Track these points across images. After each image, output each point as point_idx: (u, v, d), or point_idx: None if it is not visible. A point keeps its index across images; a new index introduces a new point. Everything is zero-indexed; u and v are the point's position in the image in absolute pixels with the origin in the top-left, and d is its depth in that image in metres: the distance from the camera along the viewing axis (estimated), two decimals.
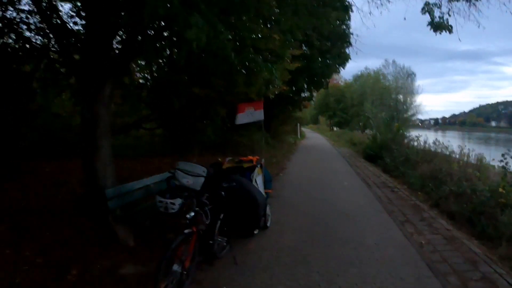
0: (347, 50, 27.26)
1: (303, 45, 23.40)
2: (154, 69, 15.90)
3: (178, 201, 4.32)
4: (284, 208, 8.67)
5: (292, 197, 9.92)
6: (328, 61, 26.38)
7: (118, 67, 6.93)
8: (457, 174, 10.31)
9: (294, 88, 25.17)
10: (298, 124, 46.35)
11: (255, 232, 6.19)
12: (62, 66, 8.13)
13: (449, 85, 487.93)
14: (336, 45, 26.03)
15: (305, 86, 27.83)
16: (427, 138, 16.93)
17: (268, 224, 7.02)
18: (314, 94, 38.70)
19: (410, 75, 52.24)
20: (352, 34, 26.63)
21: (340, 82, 65.79)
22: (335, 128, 64.33)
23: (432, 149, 15.40)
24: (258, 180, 6.62)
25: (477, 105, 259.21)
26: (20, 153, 11.33)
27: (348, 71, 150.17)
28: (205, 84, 15.85)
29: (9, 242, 5.15)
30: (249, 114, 7.74)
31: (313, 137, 52.58)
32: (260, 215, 5.72)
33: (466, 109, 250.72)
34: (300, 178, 13.40)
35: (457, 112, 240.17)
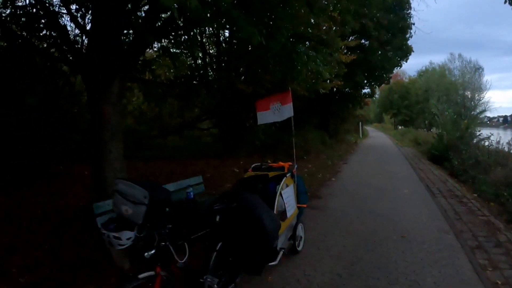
0: (409, 43, 25.87)
1: (358, 37, 21.87)
2: (189, 63, 15.11)
3: (125, 235, 3.01)
4: (327, 224, 7.31)
5: (340, 209, 8.45)
6: (388, 53, 24.85)
7: (127, 61, 6.29)
8: None
9: (352, 83, 23.54)
10: (360, 123, 44.58)
11: (272, 263, 4.76)
12: (63, 62, 7.44)
13: None
14: (397, 37, 24.63)
15: (365, 81, 26.27)
16: (500, 137, 14.95)
17: (300, 248, 5.74)
18: (376, 90, 36.97)
19: (478, 70, 49.99)
20: (413, 24, 25.12)
21: (404, 78, 63.84)
22: (399, 127, 61.58)
23: (506, 149, 13.66)
24: (286, 193, 5.27)
25: None
26: (61, 156, 11.15)
27: (412, 67, 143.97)
28: (251, 80, 14.87)
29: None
30: (275, 111, 6.32)
31: (376, 136, 50.18)
32: (270, 246, 4.29)
33: None
34: (354, 183, 11.84)
35: None
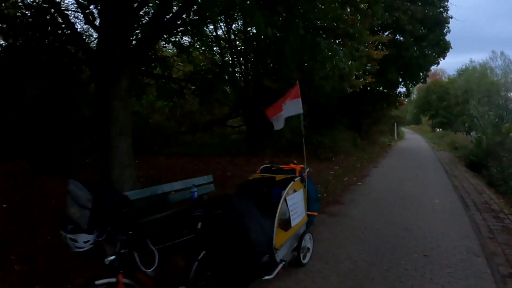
0: (446, 38, 24.59)
1: (391, 31, 20.86)
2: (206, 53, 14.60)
3: (82, 238, 2.78)
4: (343, 234, 6.59)
5: (361, 218, 7.68)
6: (424, 50, 23.53)
7: (135, 56, 6.24)
8: None
9: (385, 81, 22.54)
10: (395, 124, 43.19)
11: (267, 277, 4.11)
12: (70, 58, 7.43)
13: None
14: (433, 31, 23.40)
15: (399, 79, 25.16)
16: None
17: (305, 261, 5.10)
18: (413, 89, 35.66)
19: None
20: (451, 18, 23.91)
21: (442, 77, 61.94)
22: (437, 129, 59.60)
23: None
24: (293, 199, 4.62)
25: None
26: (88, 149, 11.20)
27: (451, 66, 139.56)
28: (277, 76, 14.30)
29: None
30: (285, 110, 5.67)
31: (412, 139, 48.45)
32: (255, 259, 3.65)
33: None
34: (381, 189, 10.97)
35: None
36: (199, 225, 3.59)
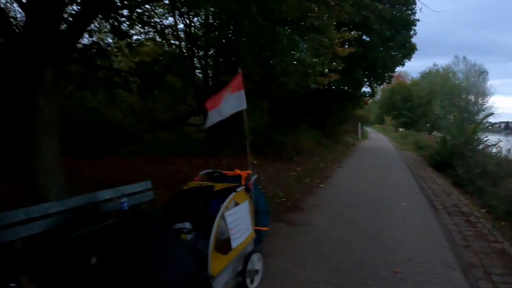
0: (413, 40, 24.75)
1: (359, 30, 20.38)
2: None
3: None
4: (303, 248, 5.72)
5: (324, 227, 6.85)
6: (391, 50, 23.62)
7: (63, 44, 5.44)
8: None
9: (350, 80, 22.22)
10: (360, 124, 43.06)
11: None
12: None
13: None
14: (401, 33, 23.43)
15: (365, 79, 25.20)
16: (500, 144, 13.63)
17: (254, 286, 4.21)
18: (377, 90, 35.76)
19: (482, 73, 49.66)
20: (418, 20, 23.95)
21: (406, 80, 63.28)
22: (400, 129, 60.26)
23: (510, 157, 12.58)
24: (235, 215, 3.78)
25: None
26: None
27: (415, 69, 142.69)
28: (234, 72, 13.54)
29: None
30: (224, 104, 4.66)
31: (376, 138, 48.48)
32: None
33: None
34: (346, 192, 10.23)
35: None
36: (94, 260, 2.78)
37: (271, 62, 10.75)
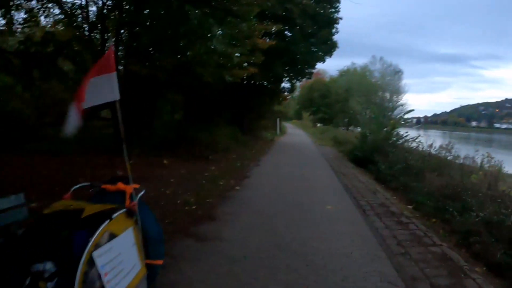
0: (334, 38, 24.84)
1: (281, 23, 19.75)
2: None
3: None
4: (214, 273, 4.49)
5: (240, 242, 5.68)
6: (312, 47, 23.44)
7: None
8: (483, 191, 7.55)
9: (270, 75, 21.67)
10: (278, 119, 42.85)
11: None
12: None
13: (431, 85, 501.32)
14: (323, 30, 23.25)
15: (285, 74, 24.82)
16: (433, 140, 13.50)
17: None
18: (297, 86, 35.74)
19: (397, 73, 51.70)
20: (341, 19, 24.05)
21: (325, 77, 64.47)
22: (318, 124, 61.36)
23: (432, 152, 12.35)
24: (112, 253, 2.62)
25: (458, 106, 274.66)
26: None
27: (333, 68, 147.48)
28: (149, 62, 12.27)
29: None
30: (89, 93, 3.20)
31: (295, 134, 48.40)
32: None
33: (448, 109, 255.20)
34: (265, 196, 9.10)
35: (438, 112, 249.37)
36: None
37: (181, 44, 9.61)
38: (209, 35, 6.68)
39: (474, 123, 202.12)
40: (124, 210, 3.00)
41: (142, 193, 3.51)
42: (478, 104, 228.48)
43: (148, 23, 9.06)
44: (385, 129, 16.03)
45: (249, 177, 11.70)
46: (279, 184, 10.72)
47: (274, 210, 7.69)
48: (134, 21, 10.31)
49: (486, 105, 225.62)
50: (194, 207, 7.40)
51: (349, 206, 8.43)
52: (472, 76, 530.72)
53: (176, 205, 7.43)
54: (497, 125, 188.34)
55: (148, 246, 3.39)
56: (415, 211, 8.16)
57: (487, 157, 9.80)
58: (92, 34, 12.20)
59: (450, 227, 6.72)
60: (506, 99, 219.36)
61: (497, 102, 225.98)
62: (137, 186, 3.50)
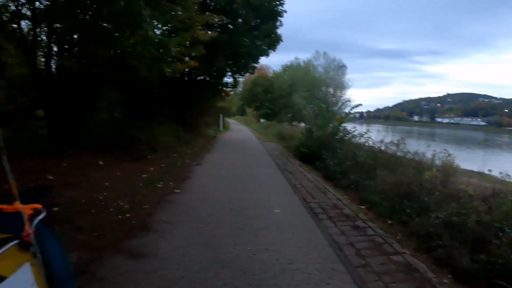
0: (278, 31, 24.27)
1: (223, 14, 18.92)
2: None
3: None
4: None
5: (178, 259, 4.81)
6: (256, 40, 22.67)
7: None
8: (440, 189, 7.08)
9: (212, 69, 20.88)
10: (221, 115, 42.03)
11: None
12: None
13: (374, 80, 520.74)
14: (267, 22, 22.66)
15: (227, 68, 24.07)
16: (384, 136, 13.13)
17: None
18: (239, 81, 35.12)
19: (341, 68, 51.85)
20: (285, 11, 23.50)
21: (268, 73, 64.33)
22: (262, 120, 61.35)
23: (378, 147, 11.79)
24: None
25: (401, 100, 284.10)
26: None
27: (276, 63, 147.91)
28: (83, 56, 11.22)
29: None
30: None
31: (238, 129, 47.86)
32: None
33: (391, 104, 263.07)
34: (207, 200, 8.14)
35: (381, 107, 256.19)
36: None
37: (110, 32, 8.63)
38: (139, 20, 5.75)
39: (416, 118, 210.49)
40: (15, 242, 2.11)
41: (42, 215, 2.60)
42: (420, 99, 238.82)
43: (64, 3, 7.91)
44: (331, 124, 15.61)
45: (190, 178, 10.79)
46: (223, 186, 9.87)
47: (217, 216, 6.87)
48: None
49: (428, 100, 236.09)
50: (128, 215, 6.50)
51: (299, 208, 7.74)
52: (414, 71, 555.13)
53: (109, 213, 6.50)
54: (439, 120, 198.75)
55: (55, 283, 2.50)
56: (369, 211, 7.68)
57: (445, 152, 9.37)
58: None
59: (408, 229, 6.25)
60: (448, 94, 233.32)
61: (439, 97, 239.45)
62: (37, 206, 2.58)
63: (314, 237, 5.87)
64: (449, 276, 4.70)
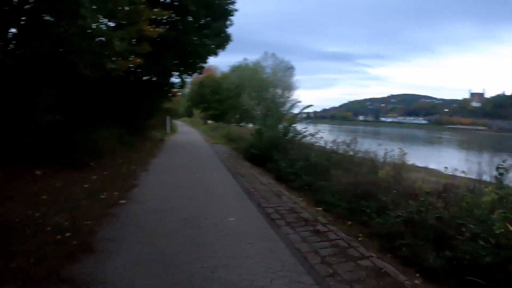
0: (228, 31, 23.85)
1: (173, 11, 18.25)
2: None
3: None
4: None
5: (126, 284, 4.23)
6: (205, 38, 22.10)
7: None
8: (397, 187, 6.99)
9: (159, 69, 20.15)
10: (168, 117, 41.13)
11: None
12: None
13: (321, 82, 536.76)
14: (217, 21, 22.17)
15: (175, 68, 23.45)
16: (335, 135, 13.10)
17: None
18: (188, 81, 34.56)
19: (289, 69, 52.25)
20: (236, 10, 23.07)
21: (216, 74, 64.13)
22: (209, 121, 61.21)
23: (330, 147, 11.83)
24: None
25: (346, 101, 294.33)
26: None
27: (223, 64, 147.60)
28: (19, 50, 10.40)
29: None
30: None
31: (186, 132, 47.23)
32: None
33: (337, 105, 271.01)
34: (156, 210, 7.47)
35: (327, 107, 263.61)
36: None
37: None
38: (77, 5, 5.15)
39: (361, 117, 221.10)
40: None
41: None
42: (365, 100, 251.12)
43: None
44: (281, 125, 15.42)
45: (136, 186, 9.97)
46: (172, 193, 9.20)
47: (168, 229, 6.26)
48: None
49: (373, 100, 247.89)
50: (68, 234, 5.68)
51: (255, 215, 7.31)
52: (359, 73, 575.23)
53: (46, 233, 5.63)
54: (383, 119, 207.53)
55: None
56: (326, 213, 7.49)
57: (398, 150, 9.27)
58: None
59: (368, 229, 6.20)
60: (391, 95, 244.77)
61: (383, 98, 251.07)
62: None
63: (274, 247, 5.45)
64: (417, 275, 4.63)
